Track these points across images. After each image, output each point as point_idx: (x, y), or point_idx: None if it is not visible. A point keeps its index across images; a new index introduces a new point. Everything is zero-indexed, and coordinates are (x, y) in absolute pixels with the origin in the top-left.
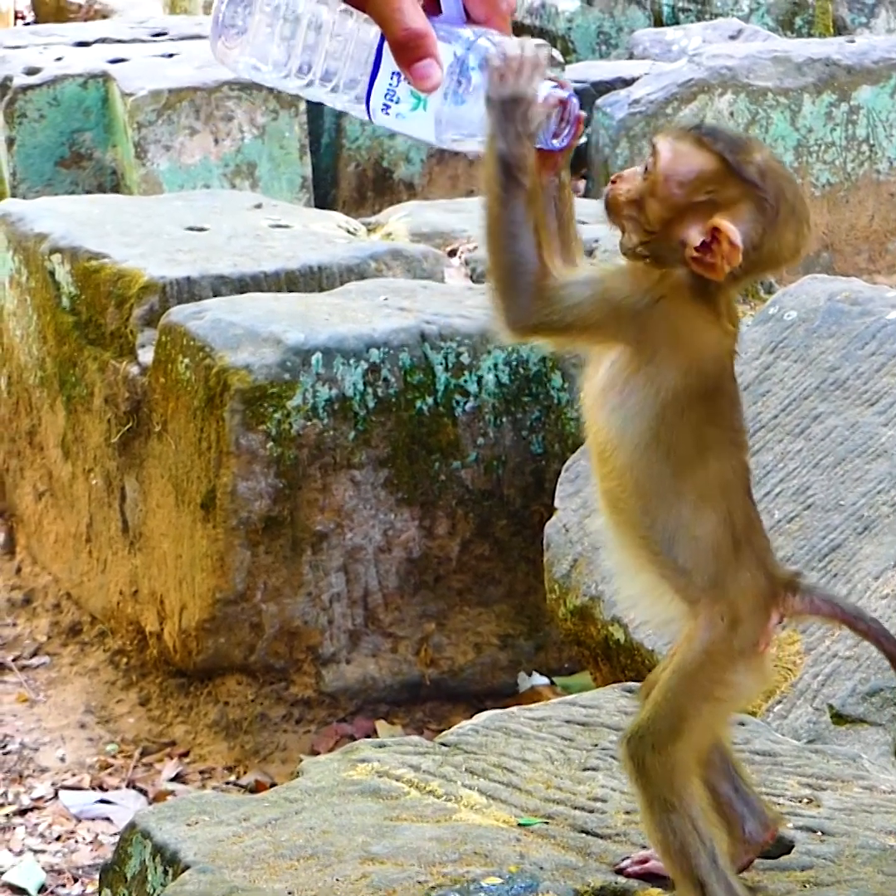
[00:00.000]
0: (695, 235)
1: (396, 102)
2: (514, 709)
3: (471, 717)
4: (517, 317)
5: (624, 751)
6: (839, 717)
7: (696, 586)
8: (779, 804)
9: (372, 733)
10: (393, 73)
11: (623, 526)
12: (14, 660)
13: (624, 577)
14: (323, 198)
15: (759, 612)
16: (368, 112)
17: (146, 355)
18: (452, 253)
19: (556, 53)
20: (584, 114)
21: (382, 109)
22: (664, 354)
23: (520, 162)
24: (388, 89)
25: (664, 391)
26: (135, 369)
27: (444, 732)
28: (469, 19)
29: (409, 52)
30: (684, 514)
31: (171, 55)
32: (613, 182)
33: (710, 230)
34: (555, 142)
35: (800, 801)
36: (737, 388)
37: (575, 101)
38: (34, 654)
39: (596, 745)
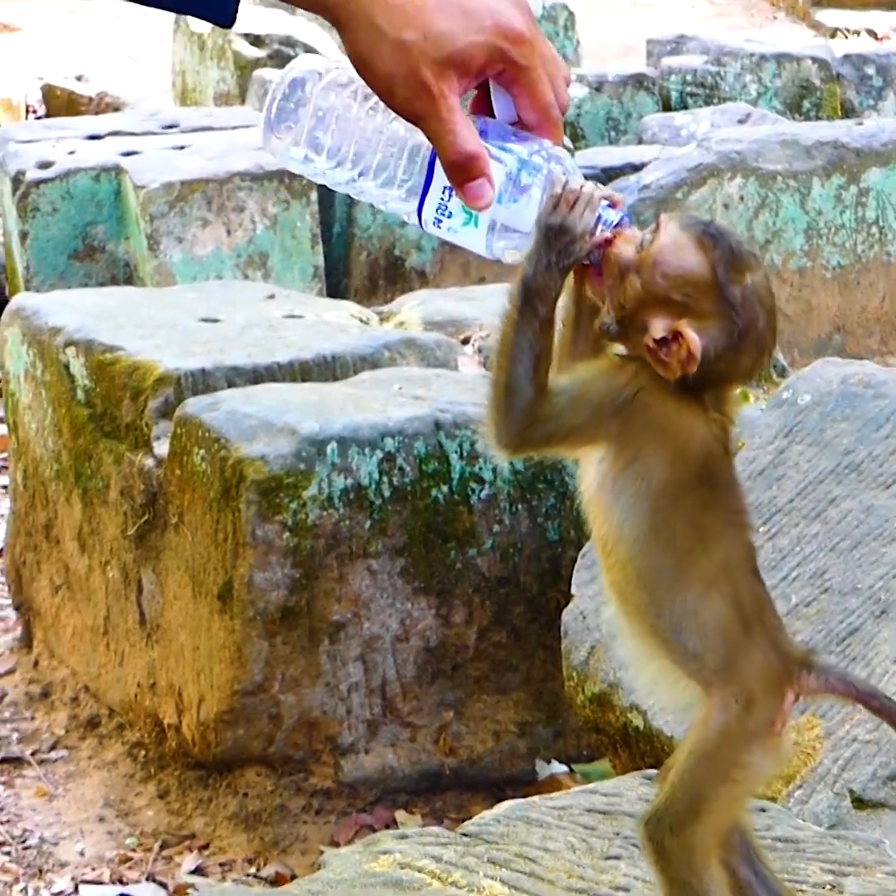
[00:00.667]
0: (658, 328)
1: (448, 217)
2: (535, 798)
3: (490, 805)
4: (507, 438)
5: (643, 833)
6: (860, 802)
7: (708, 670)
8: (801, 891)
9: (392, 823)
10: (445, 188)
11: (632, 615)
12: (32, 754)
13: (638, 664)
14: (335, 287)
15: (774, 692)
16: (420, 222)
17: (161, 447)
18: (465, 341)
19: (615, 194)
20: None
21: (434, 223)
22: (649, 448)
23: (542, 292)
24: (440, 204)
25: (654, 484)
26: (150, 461)
27: (465, 822)
28: (521, 123)
29: (461, 173)
30: (690, 601)
31: (182, 147)
32: (610, 244)
33: (673, 331)
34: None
35: (823, 888)
36: (734, 471)
37: (627, 221)
38: (52, 748)
39: (618, 834)
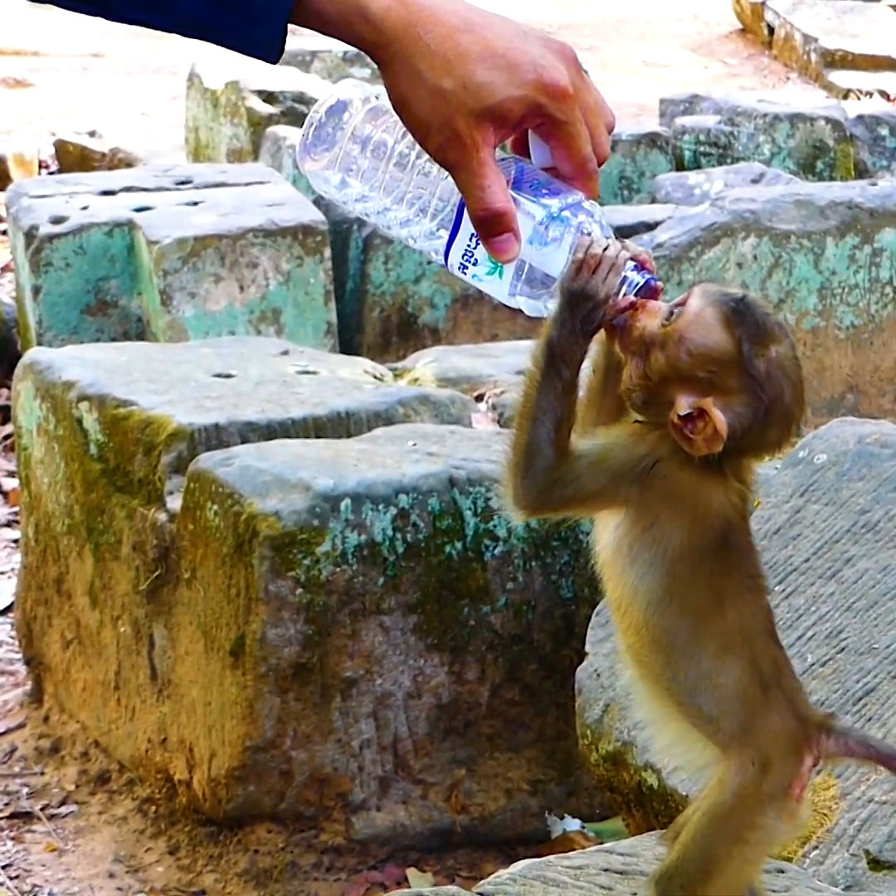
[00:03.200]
0: (683, 405)
1: (474, 264)
2: (550, 857)
3: (502, 863)
4: (525, 500)
5: (653, 892)
6: (876, 863)
7: (725, 733)
8: None
9: (403, 881)
10: (472, 235)
11: (647, 678)
12: (42, 809)
13: (655, 726)
14: (348, 343)
15: (791, 756)
16: (446, 264)
17: (174, 502)
18: (479, 398)
19: (647, 251)
20: (661, 286)
21: (459, 268)
22: (666, 516)
23: (566, 355)
24: (467, 250)
25: (671, 550)
26: (163, 516)
27: (481, 881)
28: (555, 171)
29: (487, 227)
30: (706, 665)
31: (195, 203)
32: (636, 308)
33: (698, 409)
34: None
35: None
36: (750, 537)
37: (654, 284)
38: (62, 803)
39: (635, 894)
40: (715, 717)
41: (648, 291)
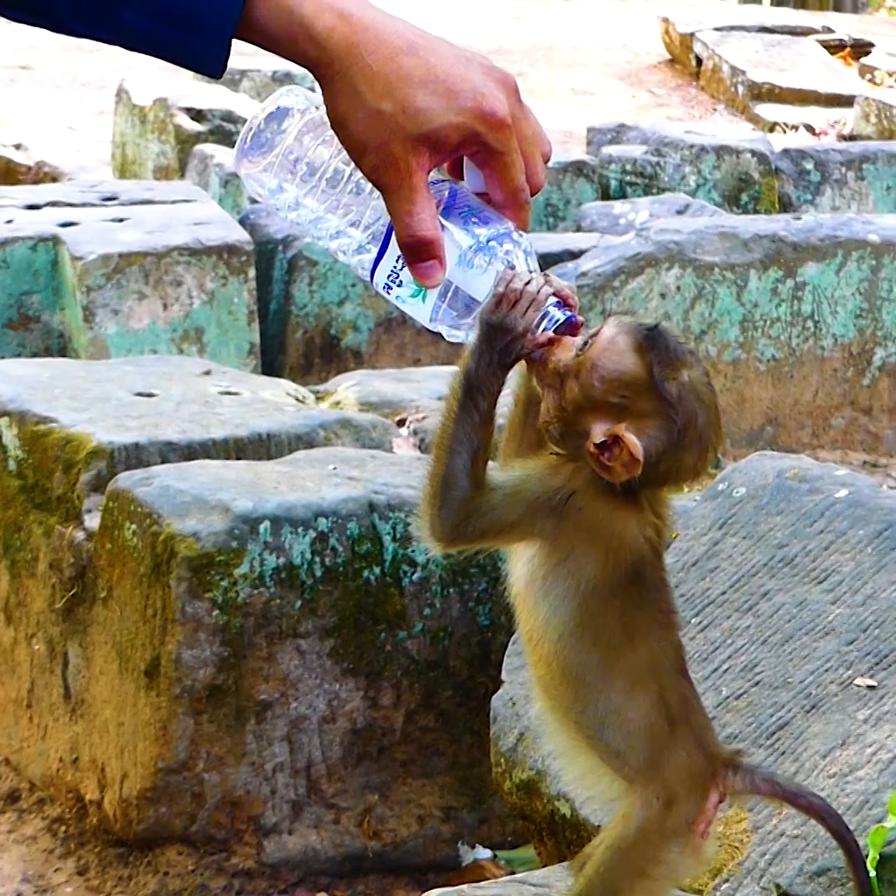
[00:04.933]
0: (598, 433)
1: (399, 285)
2: (464, 887)
3: (413, 890)
4: (441, 531)
5: None
6: None
7: (631, 767)
8: None
9: None
10: (398, 257)
11: (557, 711)
12: None
13: (565, 758)
14: (270, 364)
15: (697, 792)
16: (372, 281)
17: (92, 521)
18: (401, 423)
19: (571, 288)
20: (583, 321)
21: (384, 287)
22: (581, 549)
23: (484, 387)
24: (393, 271)
25: (584, 583)
26: (80, 535)
27: None
28: (488, 197)
29: (413, 253)
30: (614, 699)
31: (121, 220)
32: (552, 343)
33: (612, 435)
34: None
35: None
36: (663, 572)
37: (575, 321)
38: None
39: None
40: (622, 752)
41: (569, 328)
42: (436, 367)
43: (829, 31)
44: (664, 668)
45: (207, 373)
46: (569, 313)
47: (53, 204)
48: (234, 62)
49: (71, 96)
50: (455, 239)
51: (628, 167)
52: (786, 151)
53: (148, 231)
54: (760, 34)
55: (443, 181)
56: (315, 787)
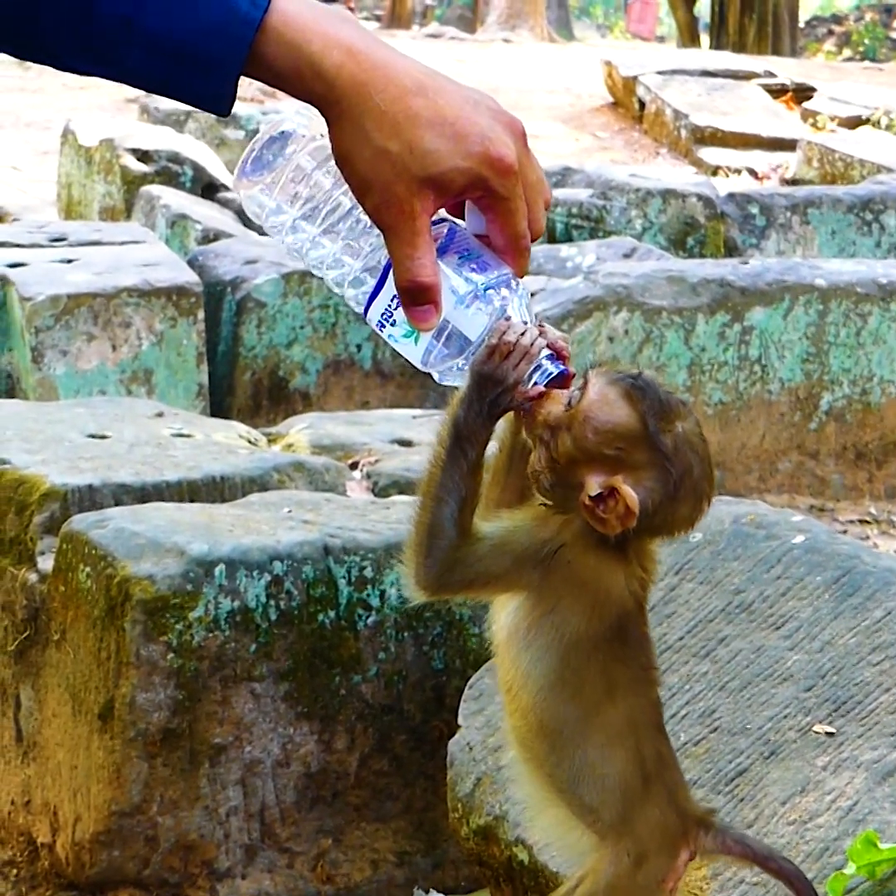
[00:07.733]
0: (593, 485)
1: (392, 324)
2: None
3: None
4: (425, 580)
5: None
6: None
7: (603, 822)
8: None
9: None
10: (394, 296)
11: (531, 763)
12: None
13: (534, 809)
14: (218, 405)
15: (667, 850)
16: (366, 316)
17: (46, 563)
18: (354, 466)
19: (565, 339)
20: (573, 373)
21: (377, 324)
22: (567, 602)
23: (472, 436)
24: (387, 309)
25: (568, 636)
26: (33, 577)
27: None
28: (488, 239)
29: (410, 297)
30: (591, 754)
31: (70, 261)
32: (541, 396)
33: (608, 487)
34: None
35: None
36: (646, 627)
37: (567, 375)
38: None
39: None
40: (595, 807)
41: (562, 381)
42: (387, 410)
43: (771, 75)
44: (642, 725)
45: (160, 415)
46: (562, 367)
47: (1, 244)
48: (178, 104)
49: (15, 136)
50: (452, 285)
51: (574, 210)
52: (731, 195)
53: (97, 272)
54: (703, 78)
55: (442, 221)
56: (269, 831)
